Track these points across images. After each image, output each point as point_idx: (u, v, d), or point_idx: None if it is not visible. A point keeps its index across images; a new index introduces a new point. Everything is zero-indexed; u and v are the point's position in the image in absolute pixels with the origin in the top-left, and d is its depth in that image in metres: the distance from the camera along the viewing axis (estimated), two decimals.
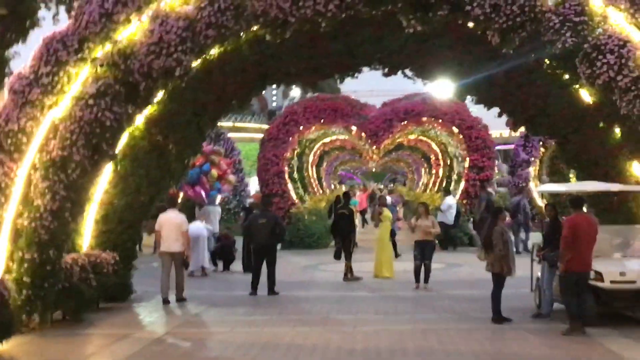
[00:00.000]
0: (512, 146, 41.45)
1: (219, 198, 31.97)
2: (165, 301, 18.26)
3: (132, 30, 14.57)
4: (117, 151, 17.75)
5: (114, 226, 18.23)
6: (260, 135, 40.27)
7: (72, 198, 14.34)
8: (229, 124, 50.77)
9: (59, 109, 14.45)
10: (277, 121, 38.17)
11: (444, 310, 16.95)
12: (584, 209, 14.56)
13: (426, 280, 20.38)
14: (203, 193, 29.15)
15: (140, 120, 17.22)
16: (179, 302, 18.52)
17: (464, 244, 31.79)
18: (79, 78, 14.58)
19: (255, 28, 15.21)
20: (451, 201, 32.52)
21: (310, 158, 40.94)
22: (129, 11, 14.29)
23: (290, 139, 35.79)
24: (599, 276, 14.16)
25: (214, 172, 30.50)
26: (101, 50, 14.55)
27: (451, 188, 37.28)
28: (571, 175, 27.97)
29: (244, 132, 43.50)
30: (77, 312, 15.45)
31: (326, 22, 14.56)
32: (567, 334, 13.43)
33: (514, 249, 16.09)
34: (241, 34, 16.60)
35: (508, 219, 19.66)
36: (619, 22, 14.38)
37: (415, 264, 20.36)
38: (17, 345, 12.88)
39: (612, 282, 14.09)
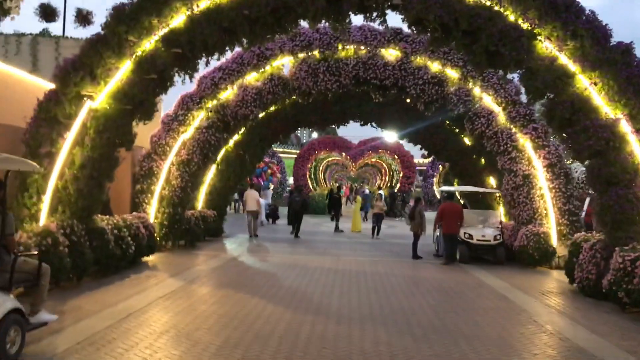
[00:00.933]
0: (424, 167, 45.30)
1: (271, 185, 34.11)
2: (250, 236, 21.07)
3: (228, 94, 16.10)
4: (218, 158, 20.16)
5: (214, 197, 20.51)
6: (295, 156, 42.89)
7: (191, 181, 16.20)
8: (279, 148, 53.62)
9: (187, 134, 15.98)
10: (304, 148, 42.03)
11: (386, 250, 18.57)
12: (452, 200, 16.44)
13: (377, 234, 22.77)
14: (262, 181, 31.08)
15: (231, 142, 19.62)
16: (255, 237, 21.11)
17: (396, 215, 35.43)
18: (199, 117, 16.11)
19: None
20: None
21: (321, 168, 43.61)
22: (227, 83, 15.87)
23: (310, 157, 38.75)
24: (470, 237, 15.60)
25: (269, 171, 32.37)
26: (211, 103, 16.06)
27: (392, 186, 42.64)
28: (455, 182, 31.34)
29: (287, 154, 46.73)
30: (192, 242, 17.29)
31: (331, 93, 16.11)
32: (446, 264, 15.20)
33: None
34: (286, 99, 18.80)
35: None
36: (488, 101, 15.76)
37: (372, 226, 22.62)
38: (157, 257, 14.70)
39: (477, 240, 15.69)
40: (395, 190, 37.18)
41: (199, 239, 18.04)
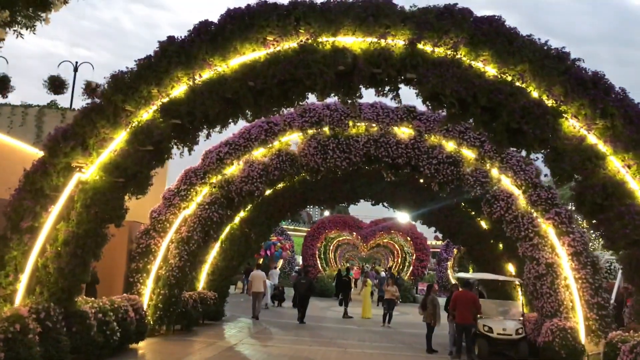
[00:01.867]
0: (438, 249, 43.85)
1: (281, 261, 33.37)
2: (254, 317, 20.36)
3: (233, 169, 15.42)
4: (222, 236, 19.33)
5: (216, 277, 19.36)
6: (305, 234, 41.87)
7: (191, 260, 15.18)
8: (290, 226, 53.22)
9: (188, 210, 15.19)
10: (313, 226, 41.10)
11: (398, 341, 17.19)
12: (470, 288, 14.99)
13: (389, 321, 21.21)
14: (269, 253, 30.59)
15: (236, 220, 18.93)
16: (256, 319, 20.31)
17: (410, 300, 33.78)
18: (202, 193, 15.38)
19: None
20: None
21: (331, 247, 42.47)
22: (233, 158, 15.20)
23: (320, 236, 37.79)
24: (490, 330, 14.30)
25: (279, 244, 31.62)
26: (215, 179, 15.36)
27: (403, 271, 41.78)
28: (470, 268, 30.21)
29: (298, 232, 45.85)
30: (188, 326, 16.14)
31: (341, 171, 15.33)
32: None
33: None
34: (294, 176, 18.19)
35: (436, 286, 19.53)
36: (507, 183, 14.88)
37: (383, 312, 20.98)
38: (148, 344, 13.43)
39: (498, 334, 14.35)
40: (394, 272, 36.16)
41: (197, 323, 16.85)
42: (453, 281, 37.04)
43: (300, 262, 41.39)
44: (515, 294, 18.60)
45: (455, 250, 37.17)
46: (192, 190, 15.34)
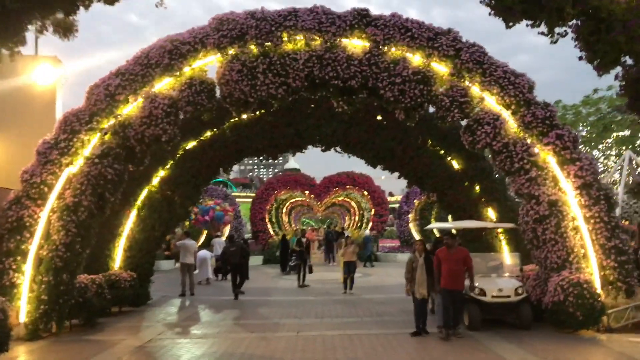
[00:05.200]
0: (397, 204, 40.55)
1: (227, 229, 29.75)
2: (182, 295, 17.55)
3: (130, 109, 11.53)
4: (139, 201, 15.70)
5: (135, 253, 15.80)
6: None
7: (81, 234, 11.24)
8: (242, 193, 49.18)
9: (73, 167, 11.26)
10: (261, 187, 37.07)
11: (365, 313, 13.79)
12: (452, 241, 11.05)
13: (351, 287, 18.13)
14: (207, 218, 26.75)
15: (155, 180, 15.73)
16: (191, 295, 17.66)
17: (371, 260, 29.97)
18: (90, 143, 11.44)
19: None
20: (367, 233, 33.55)
21: (284, 210, 38.58)
22: (128, 93, 11.25)
23: (269, 198, 34.00)
24: (482, 292, 11.19)
25: (219, 208, 27.75)
26: (106, 122, 11.45)
27: (363, 227, 37.82)
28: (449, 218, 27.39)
29: (247, 198, 41.66)
30: (90, 319, 12.25)
31: (277, 102, 11.58)
32: (446, 337, 10.47)
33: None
34: (223, 121, 14.64)
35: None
36: (491, 102, 11.50)
37: (344, 277, 17.74)
38: (20, 353, 9.78)
39: (492, 296, 11.25)
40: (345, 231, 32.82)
41: (104, 313, 13.00)
42: (416, 235, 34.13)
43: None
44: (498, 244, 15.56)
45: (416, 202, 34.04)
46: (75, 140, 11.26)
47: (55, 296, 10.94)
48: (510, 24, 6.73)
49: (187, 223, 29.49)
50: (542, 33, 6.56)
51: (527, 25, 6.75)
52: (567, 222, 11.01)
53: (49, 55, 14.95)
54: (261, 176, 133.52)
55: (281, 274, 24.50)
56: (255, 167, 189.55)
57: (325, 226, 53.10)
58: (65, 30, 11.23)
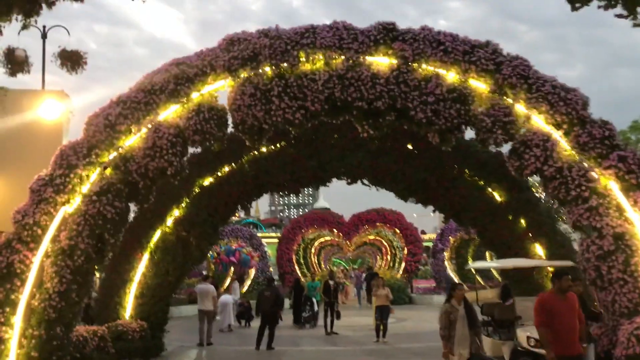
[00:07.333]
0: (431, 243, 38.58)
1: (252, 272, 28.53)
2: (200, 344, 16.37)
3: (133, 140, 10.43)
4: (151, 244, 14.58)
5: (148, 300, 14.59)
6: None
7: (78, 281, 9.97)
8: (273, 234, 48.31)
9: (69, 206, 10.13)
10: (287, 227, 35.72)
11: None
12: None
13: (384, 335, 16.46)
14: (234, 260, 25.61)
15: (169, 220, 14.69)
16: (209, 345, 16.42)
17: (405, 302, 28.75)
18: (89, 179, 10.32)
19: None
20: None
21: (313, 251, 37.16)
22: (130, 122, 10.14)
23: (296, 237, 32.57)
24: (539, 343, 9.33)
25: (245, 252, 26.60)
26: (107, 156, 10.32)
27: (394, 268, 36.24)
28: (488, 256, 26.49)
29: (272, 239, 40.49)
30: None
31: (295, 128, 10.31)
32: None
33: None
34: (243, 156, 13.53)
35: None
36: (538, 121, 10.03)
37: (376, 324, 15.99)
38: None
39: None
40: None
41: None
42: (452, 276, 32.01)
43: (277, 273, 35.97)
44: (549, 285, 13.79)
45: (451, 239, 32.19)
46: (72, 175, 10.10)
47: (48, 353, 9.60)
48: (578, 5, 5.46)
49: (212, 267, 28.34)
50: (620, 15, 5.25)
51: (599, 7, 5.44)
52: (638, 259, 9.31)
53: (56, 90, 14.14)
54: (292, 217, 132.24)
55: (294, 327, 20.69)
56: (285, 207, 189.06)
57: (357, 266, 51.13)
58: (73, 63, 10.31)
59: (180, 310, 23.05)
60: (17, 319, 9.78)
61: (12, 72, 12.76)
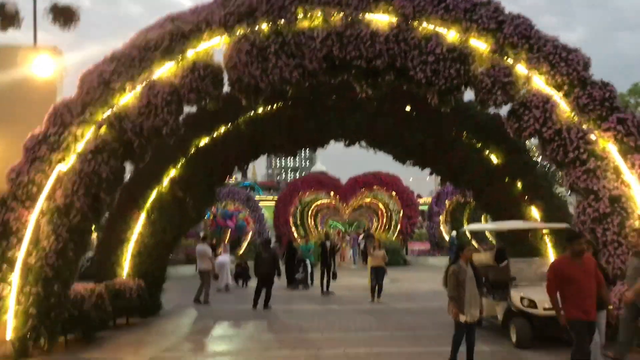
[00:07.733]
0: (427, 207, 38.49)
1: (249, 235, 28.63)
2: (196, 301, 16.37)
3: (127, 98, 10.22)
4: (148, 204, 14.49)
5: (145, 259, 14.44)
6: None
7: (74, 239, 9.94)
8: (269, 197, 48.24)
9: (64, 164, 10.00)
10: (285, 189, 35.68)
11: (396, 327, 12.17)
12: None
13: (379, 295, 16.47)
14: (231, 223, 25.76)
15: (165, 180, 14.49)
16: (205, 303, 16.23)
17: (399, 264, 28.46)
18: (84, 137, 10.16)
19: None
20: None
21: (310, 213, 37.20)
22: (124, 80, 9.95)
23: (293, 200, 32.58)
24: (532, 304, 9.46)
25: (241, 217, 26.62)
26: (101, 114, 10.18)
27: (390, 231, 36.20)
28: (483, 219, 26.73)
29: (272, 201, 40.47)
30: (88, 334, 10.94)
31: (292, 87, 10.15)
32: None
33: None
34: (238, 116, 13.37)
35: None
36: (539, 83, 9.88)
37: (371, 284, 16.16)
38: None
39: (544, 309, 9.35)
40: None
41: (105, 326, 11.74)
42: (447, 237, 32.26)
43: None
44: (544, 247, 13.86)
45: (447, 202, 32.26)
46: (67, 133, 10.00)
47: (46, 309, 9.70)
48: None
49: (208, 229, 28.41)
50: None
51: None
52: (633, 221, 9.33)
53: (49, 46, 13.83)
54: (289, 180, 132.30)
55: (287, 289, 19.91)
56: (283, 170, 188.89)
57: (353, 229, 51.27)
58: (66, 19, 10.05)
59: (177, 270, 23.16)
60: (15, 277, 9.82)
61: (3, 26, 12.49)
